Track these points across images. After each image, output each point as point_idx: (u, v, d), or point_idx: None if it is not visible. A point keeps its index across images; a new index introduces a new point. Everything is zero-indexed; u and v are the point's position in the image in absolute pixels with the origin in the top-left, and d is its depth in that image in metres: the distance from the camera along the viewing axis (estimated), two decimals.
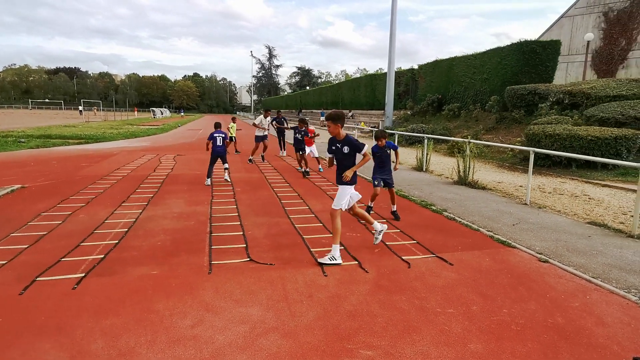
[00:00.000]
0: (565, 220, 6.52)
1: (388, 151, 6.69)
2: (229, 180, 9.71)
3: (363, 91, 34.77)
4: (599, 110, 12.34)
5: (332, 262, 4.49)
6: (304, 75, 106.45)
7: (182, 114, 78.87)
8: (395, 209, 6.68)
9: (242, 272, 4.28)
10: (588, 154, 10.28)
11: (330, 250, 4.64)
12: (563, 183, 9.93)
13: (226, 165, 9.73)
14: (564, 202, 7.95)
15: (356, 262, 4.59)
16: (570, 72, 26.38)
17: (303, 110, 54.92)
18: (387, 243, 5.30)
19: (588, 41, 22.37)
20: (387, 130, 18.80)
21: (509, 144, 13.00)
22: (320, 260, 4.56)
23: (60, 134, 21.77)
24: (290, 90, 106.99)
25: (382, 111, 30.32)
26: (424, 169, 11.52)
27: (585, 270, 4.39)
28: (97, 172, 10.53)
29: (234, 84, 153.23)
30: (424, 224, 6.27)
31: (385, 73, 35.43)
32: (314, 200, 7.74)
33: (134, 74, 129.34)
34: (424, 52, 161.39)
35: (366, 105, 34.00)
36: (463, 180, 9.49)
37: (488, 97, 19.24)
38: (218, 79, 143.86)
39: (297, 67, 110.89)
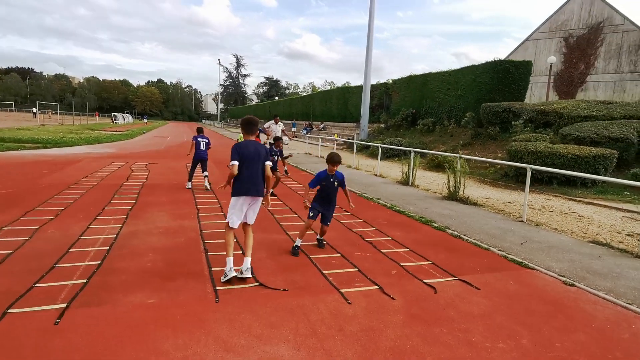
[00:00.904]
0: (568, 239, 6.42)
1: (335, 183, 5.27)
2: (209, 188, 9.41)
3: (335, 103, 34.76)
4: (574, 130, 12.71)
5: (226, 278, 4.18)
6: (272, 85, 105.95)
7: (145, 120, 75.95)
8: (321, 237, 5.58)
9: (255, 300, 3.77)
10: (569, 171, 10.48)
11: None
12: (548, 200, 10.01)
13: (206, 173, 9.60)
14: (557, 219, 7.93)
15: (377, 287, 4.19)
16: (534, 93, 27.50)
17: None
18: (402, 264, 4.94)
19: (551, 64, 23.43)
20: (366, 142, 18.68)
21: (496, 159, 13.13)
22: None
23: (14, 137, 20.11)
24: (257, 100, 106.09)
25: (354, 124, 30.37)
26: (410, 183, 11.35)
27: (616, 295, 4.20)
28: (62, 180, 9.59)
29: (199, 92, 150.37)
30: (430, 242, 5.97)
31: (358, 86, 35.66)
32: (305, 214, 7.28)
33: (93, 77, 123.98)
34: (389, 68, 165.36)
35: (338, 117, 33.97)
36: (454, 196, 9.35)
37: (462, 113, 19.58)
38: (183, 86, 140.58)
39: (265, 77, 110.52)
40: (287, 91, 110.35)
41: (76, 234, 5.54)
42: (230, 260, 4.23)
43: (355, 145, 16.94)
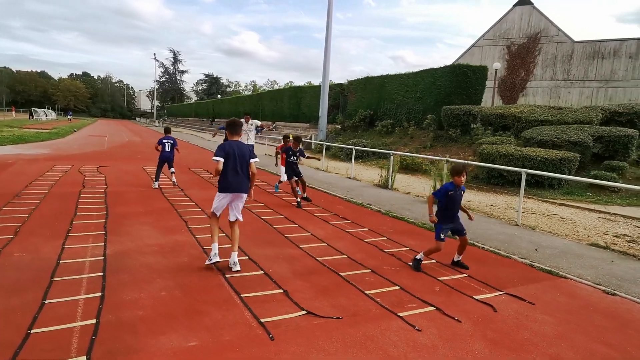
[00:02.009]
0: (571, 243, 6.52)
1: (463, 193, 5.02)
2: (176, 183, 9.90)
3: (287, 103, 34.13)
4: (535, 133, 13.34)
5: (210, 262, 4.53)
6: (212, 83, 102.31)
7: (70, 117, 69.26)
8: (459, 259, 5.11)
9: (314, 333, 3.24)
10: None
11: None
12: (524, 202, 10.31)
13: (172, 170, 9.94)
14: (544, 222, 8.11)
15: (433, 308, 3.82)
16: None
17: (216, 120, 52.38)
18: (439, 278, 4.63)
19: (496, 69, 24.74)
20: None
21: (465, 161, 13.39)
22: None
23: None
24: (196, 98, 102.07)
25: (308, 124, 30.02)
26: (390, 187, 11.18)
27: None
28: (3, 189, 8.18)
29: (132, 88, 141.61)
30: (449, 251, 5.72)
31: (312, 86, 35.39)
32: (309, 225, 6.78)
33: (5, 67, 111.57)
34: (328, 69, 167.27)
35: (290, 117, 33.38)
36: None
37: (421, 115, 19.96)
38: (113, 80, 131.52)
39: (204, 74, 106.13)
40: (228, 89, 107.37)
41: (52, 257, 4.59)
42: (215, 246, 4.58)
43: (324, 147, 16.54)
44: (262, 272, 4.53)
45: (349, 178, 13.01)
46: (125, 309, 3.48)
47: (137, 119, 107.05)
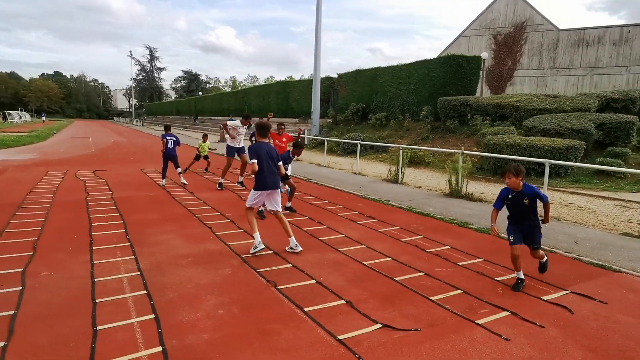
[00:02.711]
0: (604, 234, 6.46)
1: (526, 201, 4.22)
2: (186, 182, 9.90)
3: (274, 98, 33.61)
4: (537, 122, 13.37)
5: (255, 249, 4.95)
6: (192, 80, 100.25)
7: (44, 118, 66.68)
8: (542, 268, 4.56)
9: (400, 349, 3.01)
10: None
11: None
12: None
13: (179, 170, 9.97)
14: (564, 211, 8.06)
15: (509, 313, 3.64)
16: None
17: (200, 117, 51.36)
18: (497, 279, 4.46)
19: (483, 59, 24.84)
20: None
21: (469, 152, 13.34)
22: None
23: None
24: (175, 95, 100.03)
25: (297, 119, 29.65)
26: (400, 181, 11.02)
27: None
28: (2, 199, 7.66)
29: (107, 86, 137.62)
30: (489, 248, 5.57)
31: (300, 80, 35.01)
32: (338, 225, 6.53)
33: None
34: (306, 62, 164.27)
35: (278, 113, 32.80)
36: (457, 193, 9.17)
37: (416, 107, 19.86)
38: (87, 79, 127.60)
39: (183, 71, 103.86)
40: (207, 85, 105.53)
41: (84, 275, 4.23)
42: (257, 235, 4.98)
43: (326, 142, 16.24)
44: (313, 281, 4.28)
45: (355, 174, 12.78)
46: (187, 332, 3.18)
47: (114, 118, 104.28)
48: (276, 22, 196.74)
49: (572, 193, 10.10)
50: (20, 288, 3.88)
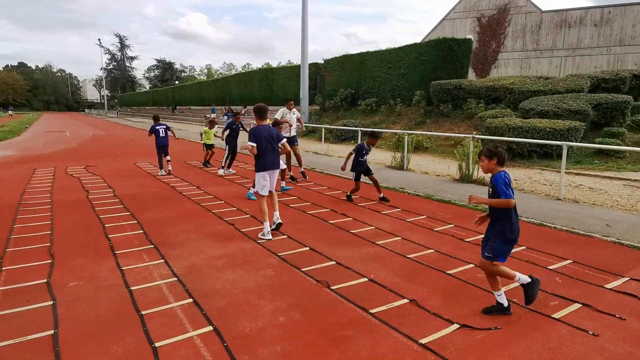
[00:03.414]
0: (630, 216, 6.45)
1: (490, 190, 3.41)
2: (171, 170, 10.21)
3: (257, 86, 32.85)
4: (535, 104, 13.40)
5: (263, 238, 5.17)
6: (166, 69, 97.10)
7: (11, 112, 63.56)
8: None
9: (490, 351, 2.83)
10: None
11: None
12: (540, 174, 10.34)
13: (168, 158, 10.22)
14: (576, 193, 8.06)
15: (581, 305, 3.51)
16: None
17: (178, 107, 49.96)
18: (549, 268, 4.34)
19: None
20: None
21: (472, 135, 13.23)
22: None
23: None
24: (149, 85, 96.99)
25: (281, 107, 29.06)
26: (405, 167, 10.86)
27: None
28: None
29: (75, 77, 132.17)
30: (527, 235, 5.45)
31: (284, 67, 34.33)
32: (363, 216, 6.31)
33: None
34: (281, 48, 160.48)
35: (262, 100, 32.12)
36: (468, 178, 9.08)
37: (407, 91, 19.69)
38: (54, 70, 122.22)
39: (156, 59, 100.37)
40: (183, 74, 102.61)
41: (117, 283, 3.89)
42: (267, 225, 5.17)
43: (323, 130, 15.87)
44: (365, 278, 4.05)
45: None
46: (255, 344, 2.91)
47: (86, 110, 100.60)
48: (248, 8, 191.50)
49: (577, 174, 10.16)
50: (51, 302, 3.52)
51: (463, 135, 9.85)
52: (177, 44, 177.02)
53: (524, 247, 4.95)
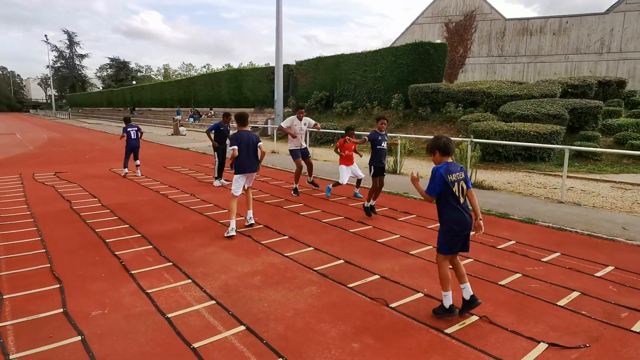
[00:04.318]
0: (637, 218, 6.62)
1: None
2: (140, 175, 9.99)
3: (225, 87, 31.91)
4: (514, 108, 13.76)
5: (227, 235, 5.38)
6: (120, 68, 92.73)
7: None
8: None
9: None
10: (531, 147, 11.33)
11: None
12: (528, 176, 10.57)
13: (137, 162, 10.13)
14: (574, 196, 8.25)
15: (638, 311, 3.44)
16: None
17: (137, 108, 47.75)
18: (596, 275, 4.27)
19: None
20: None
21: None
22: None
23: None
24: (102, 85, 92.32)
25: (252, 109, 28.44)
26: (398, 172, 10.76)
27: None
28: None
29: (18, 75, 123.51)
30: (549, 239, 5.44)
31: (254, 68, 33.54)
32: (383, 224, 6.07)
33: None
34: (240, 49, 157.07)
35: (230, 103, 31.32)
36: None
37: (384, 94, 19.76)
38: None
39: (109, 58, 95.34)
40: (139, 74, 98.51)
41: (147, 310, 3.41)
42: (233, 222, 5.44)
43: (308, 133, 15.40)
44: (420, 294, 3.80)
45: None
46: None
47: (30, 111, 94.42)
48: (206, 8, 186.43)
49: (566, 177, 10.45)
50: (79, 337, 3.00)
51: (460, 139, 9.86)
52: (131, 43, 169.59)
53: (558, 254, 4.89)
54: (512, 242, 5.33)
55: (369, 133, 6.91)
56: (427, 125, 17.01)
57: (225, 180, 9.20)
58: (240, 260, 4.58)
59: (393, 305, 3.56)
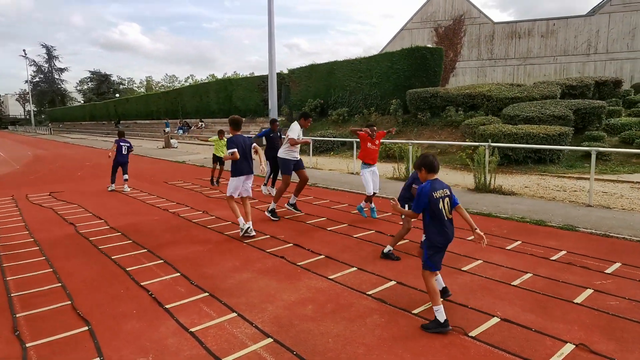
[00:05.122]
0: None
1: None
2: (128, 190, 9.72)
3: (214, 97, 31.38)
4: (518, 110, 13.65)
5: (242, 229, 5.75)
6: (101, 81, 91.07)
7: None
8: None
9: None
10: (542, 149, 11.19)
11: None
12: (542, 179, 10.38)
13: (126, 177, 9.90)
14: (597, 198, 8.04)
15: None
16: None
17: (122, 122, 46.75)
18: None
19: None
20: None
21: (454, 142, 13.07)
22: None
23: None
24: (83, 99, 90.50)
25: (243, 119, 27.95)
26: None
27: None
28: None
29: None
30: (599, 248, 5.15)
31: (245, 77, 33.17)
32: (417, 237, 5.70)
33: None
34: (222, 59, 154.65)
35: (220, 113, 30.81)
36: (486, 188, 8.82)
37: (380, 100, 19.56)
38: None
39: (90, 71, 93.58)
40: (121, 87, 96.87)
41: (197, 354, 2.97)
42: (241, 220, 5.75)
43: (310, 141, 15.07)
44: (496, 318, 3.43)
45: (352, 174, 11.99)
46: None
47: (9, 127, 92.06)
48: (186, 18, 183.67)
49: (578, 179, 10.31)
50: None
51: (477, 143, 9.60)
52: (110, 55, 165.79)
53: (618, 264, 4.60)
54: (563, 252, 5.02)
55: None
56: (427, 130, 16.82)
57: (271, 187, 9.04)
58: (282, 287, 4.15)
59: (472, 334, 3.19)
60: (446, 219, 3.34)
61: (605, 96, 16.81)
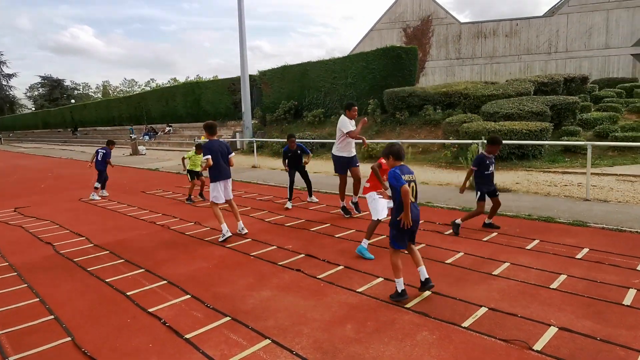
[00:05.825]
0: None
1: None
2: (98, 198, 9.59)
3: (181, 101, 30.25)
4: (497, 107, 13.81)
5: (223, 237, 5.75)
6: (54, 86, 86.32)
7: None
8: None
9: None
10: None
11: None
12: (529, 174, 10.48)
13: (97, 185, 9.84)
14: (592, 191, 8.13)
15: None
16: None
17: (80, 129, 44.40)
18: None
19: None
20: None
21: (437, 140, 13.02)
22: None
23: None
24: (33, 106, 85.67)
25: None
26: None
27: None
28: None
29: None
30: (618, 243, 5.09)
31: (213, 80, 32.24)
32: (431, 240, 5.46)
33: None
34: (182, 63, 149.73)
35: (188, 117, 29.73)
36: None
37: (356, 101, 19.37)
38: None
39: (41, 76, 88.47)
40: (75, 92, 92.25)
41: None
42: (224, 225, 5.75)
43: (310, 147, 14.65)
44: (553, 328, 3.20)
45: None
46: None
47: None
48: (142, 21, 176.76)
49: (564, 173, 10.48)
50: None
51: (470, 141, 9.54)
52: (60, 59, 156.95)
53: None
54: (586, 249, 4.91)
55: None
56: (406, 129, 16.79)
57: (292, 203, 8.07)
58: (310, 305, 3.77)
59: (536, 347, 2.93)
60: (411, 201, 3.63)
61: (573, 92, 17.37)
